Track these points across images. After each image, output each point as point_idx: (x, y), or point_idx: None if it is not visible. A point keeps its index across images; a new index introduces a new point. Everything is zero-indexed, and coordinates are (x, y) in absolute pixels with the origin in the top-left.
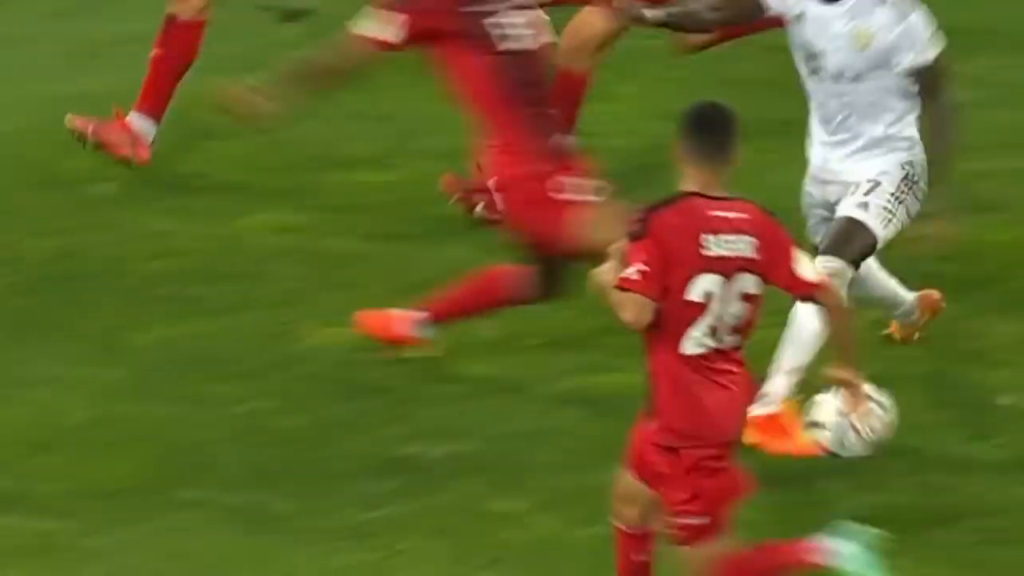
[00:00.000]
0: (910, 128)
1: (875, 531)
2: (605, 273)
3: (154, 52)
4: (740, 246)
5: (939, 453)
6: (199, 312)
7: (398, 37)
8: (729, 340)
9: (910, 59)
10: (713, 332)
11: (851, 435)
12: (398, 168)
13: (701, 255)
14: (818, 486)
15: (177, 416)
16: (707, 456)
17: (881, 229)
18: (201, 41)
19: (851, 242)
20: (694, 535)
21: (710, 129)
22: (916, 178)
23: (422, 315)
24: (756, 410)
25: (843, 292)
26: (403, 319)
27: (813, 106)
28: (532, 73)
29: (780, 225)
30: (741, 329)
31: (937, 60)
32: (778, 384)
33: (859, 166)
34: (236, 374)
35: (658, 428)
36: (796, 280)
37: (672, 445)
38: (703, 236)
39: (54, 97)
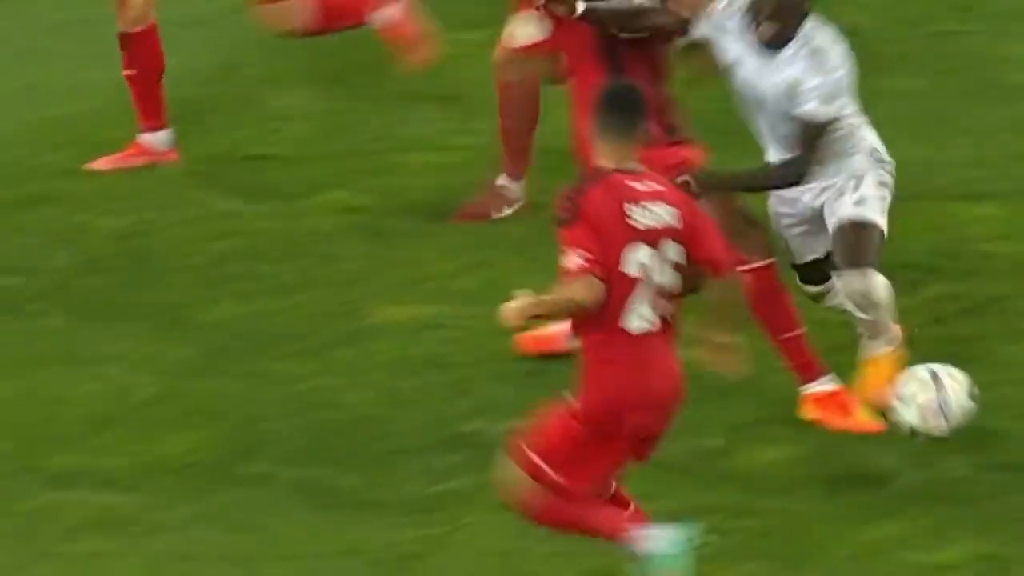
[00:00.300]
0: (861, 129)
1: (698, 533)
2: (522, 300)
3: (125, 73)
4: (663, 214)
5: (993, 429)
6: (265, 290)
7: (546, 32)
8: (666, 313)
9: (811, 107)
10: (653, 306)
11: (935, 414)
12: (458, 148)
13: (628, 225)
14: (873, 462)
15: (243, 392)
16: (639, 438)
17: (881, 218)
18: (160, 42)
19: (865, 245)
20: (546, 484)
21: (622, 108)
22: (883, 158)
23: None
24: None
25: (882, 294)
26: (566, 333)
27: (765, 134)
28: (642, 60)
29: (695, 200)
30: (675, 300)
31: (830, 121)
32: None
33: (829, 168)
34: (301, 351)
35: (596, 406)
36: (720, 254)
37: (606, 427)
38: (626, 206)
39: (121, 80)
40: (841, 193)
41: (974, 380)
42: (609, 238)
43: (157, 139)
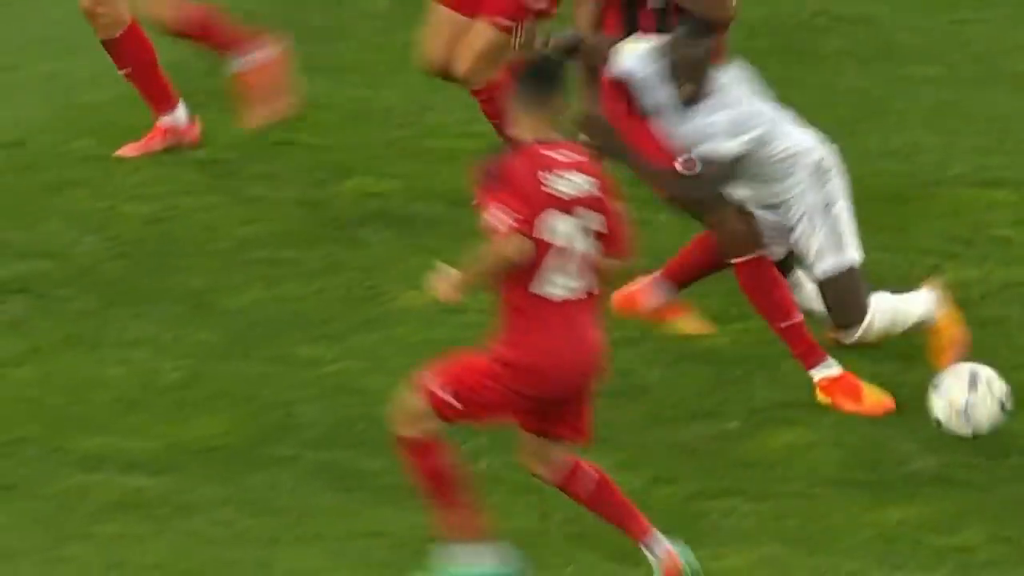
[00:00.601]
0: (801, 142)
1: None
2: (452, 275)
3: (122, 73)
4: (581, 183)
5: (1011, 414)
6: (289, 275)
7: None
8: (588, 283)
9: (713, 144)
10: (574, 275)
11: (959, 415)
12: (482, 135)
13: (545, 193)
14: (890, 446)
15: (267, 376)
16: (548, 404)
17: (853, 248)
18: (144, 34)
19: (849, 301)
20: (448, 419)
21: (542, 79)
22: (826, 165)
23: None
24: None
25: (884, 323)
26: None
27: None
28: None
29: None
30: (596, 269)
31: (735, 156)
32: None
33: (774, 188)
34: (325, 335)
35: (512, 367)
36: (626, 236)
37: (516, 385)
38: (542, 174)
39: None
40: (798, 238)
41: (994, 367)
42: (529, 204)
43: (175, 117)
